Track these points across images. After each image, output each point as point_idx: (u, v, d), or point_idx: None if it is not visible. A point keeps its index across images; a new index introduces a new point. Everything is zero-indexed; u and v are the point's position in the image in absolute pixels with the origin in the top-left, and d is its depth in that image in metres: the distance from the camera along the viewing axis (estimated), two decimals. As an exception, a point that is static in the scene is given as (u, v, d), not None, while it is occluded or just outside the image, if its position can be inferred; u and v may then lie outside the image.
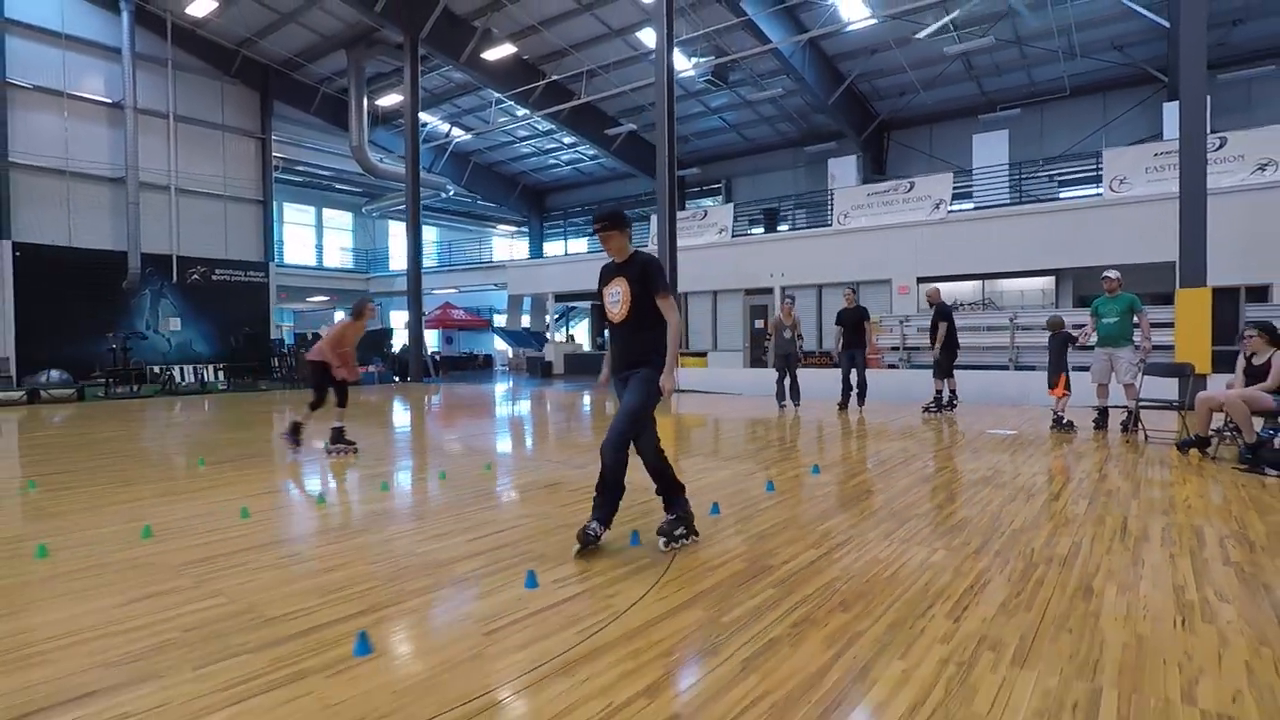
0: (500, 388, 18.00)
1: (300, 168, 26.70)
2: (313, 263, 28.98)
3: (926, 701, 2.01)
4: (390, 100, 25.02)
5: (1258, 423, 5.53)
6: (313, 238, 29.19)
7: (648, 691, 2.08)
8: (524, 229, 35.34)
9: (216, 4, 19.37)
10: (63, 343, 19.19)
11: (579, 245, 34.06)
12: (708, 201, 28.82)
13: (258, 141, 24.31)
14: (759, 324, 18.61)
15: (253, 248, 24.16)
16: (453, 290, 29.17)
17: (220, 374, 20.35)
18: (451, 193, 28.70)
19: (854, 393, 9.89)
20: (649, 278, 3.44)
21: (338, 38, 22.12)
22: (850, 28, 18.33)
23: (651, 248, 19.39)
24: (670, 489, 3.55)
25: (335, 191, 29.26)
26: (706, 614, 2.68)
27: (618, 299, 3.48)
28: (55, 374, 15.88)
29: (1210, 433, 6.00)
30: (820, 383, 11.41)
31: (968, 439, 7.31)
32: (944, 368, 9.35)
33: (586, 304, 26.27)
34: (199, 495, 5.02)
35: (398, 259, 32.88)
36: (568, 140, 28.34)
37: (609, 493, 3.42)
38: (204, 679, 2.17)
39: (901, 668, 2.22)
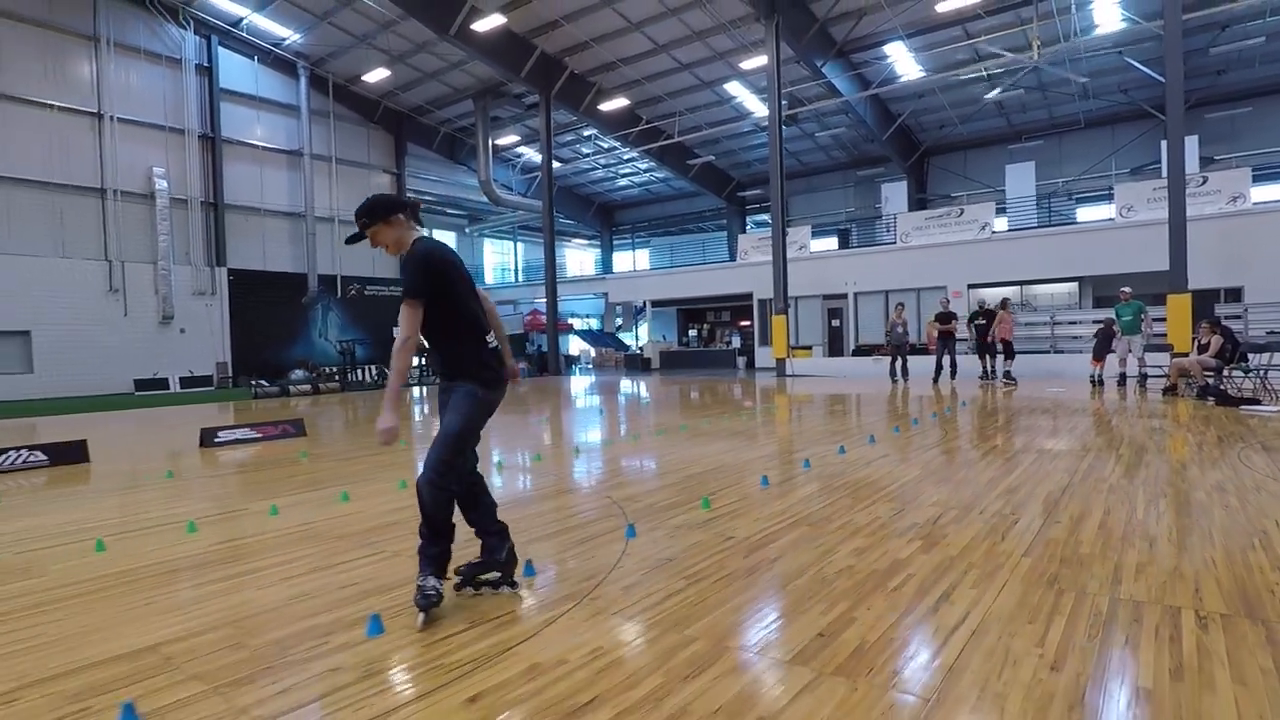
0: (643, 380, 22.39)
1: (419, 196, 31.15)
2: (426, 277, 33.35)
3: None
4: (505, 140, 29.49)
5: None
6: (425, 255, 33.62)
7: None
8: (595, 241, 39.73)
9: (389, 73, 23.84)
10: (261, 348, 23.72)
11: (643, 256, 38.49)
12: (765, 217, 33.22)
13: (393, 176, 28.82)
14: (835, 323, 22.95)
15: (392, 266, 28.61)
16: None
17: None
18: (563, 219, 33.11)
19: (944, 371, 14.24)
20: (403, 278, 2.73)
21: (468, 90, 26.53)
22: (903, 80, 22.60)
23: (757, 260, 23.69)
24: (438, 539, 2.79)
25: (444, 215, 33.74)
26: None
27: None
28: (299, 373, 20.30)
29: (1181, 383, 10.31)
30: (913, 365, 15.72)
31: (1038, 394, 11.61)
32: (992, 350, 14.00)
33: (672, 308, 30.49)
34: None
35: (488, 272, 37.46)
36: (642, 165, 32.70)
37: (440, 540, 2.77)
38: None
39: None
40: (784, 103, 19.42)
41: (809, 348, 22.11)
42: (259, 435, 8.16)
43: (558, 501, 4.93)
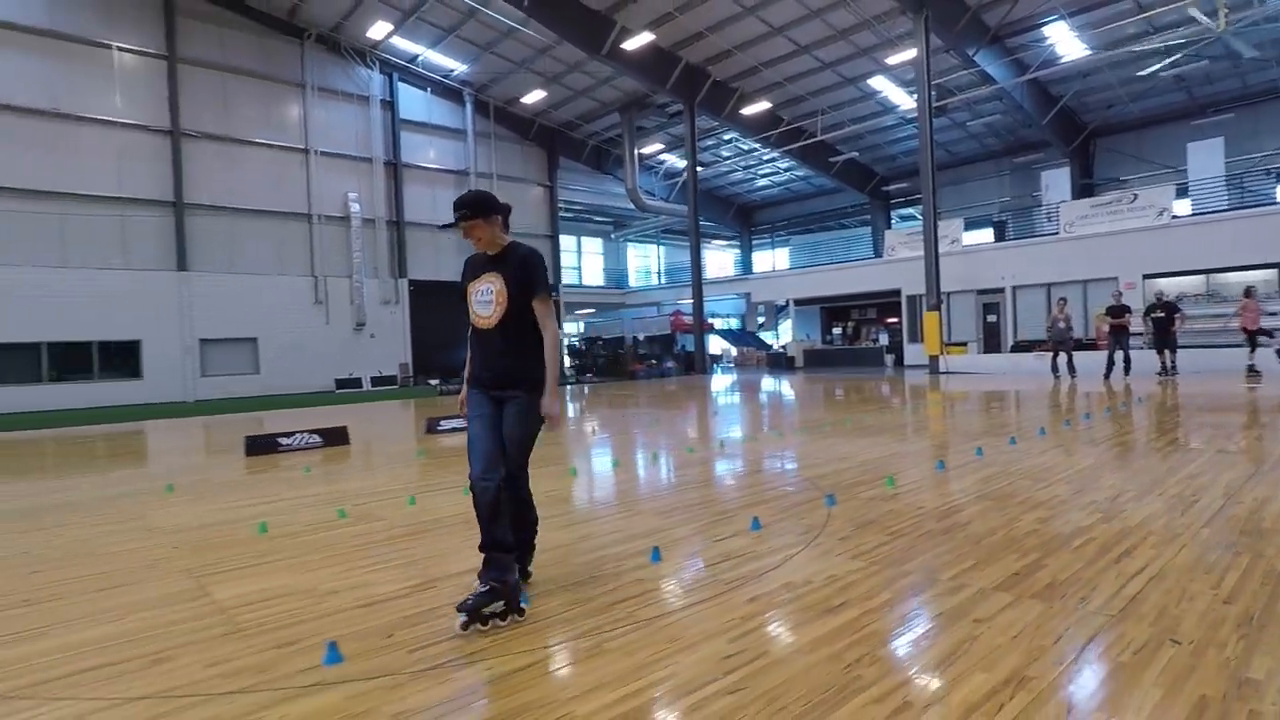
0: (790, 379, 22.84)
1: (570, 205, 33.09)
2: (574, 282, 35.39)
3: None
4: (649, 149, 30.79)
5: None
6: (573, 261, 35.64)
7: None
8: (735, 242, 40.27)
9: (545, 93, 25.74)
10: (436, 351, 26.33)
11: (783, 255, 38.53)
12: (911, 211, 32.44)
13: (546, 188, 30.85)
14: (991, 318, 22.19)
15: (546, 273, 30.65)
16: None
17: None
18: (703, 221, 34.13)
19: (1117, 366, 13.64)
20: (529, 276, 2.89)
21: (615, 104, 27.97)
22: (1065, 60, 21.44)
23: (905, 256, 23.44)
24: (519, 543, 2.97)
25: (591, 223, 35.64)
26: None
27: (489, 299, 2.92)
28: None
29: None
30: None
31: (1230, 390, 10.99)
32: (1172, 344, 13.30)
33: (814, 307, 30.49)
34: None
35: (631, 276, 39.07)
36: (782, 164, 32.85)
37: (532, 527, 3.08)
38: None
39: None
40: (933, 94, 19.12)
41: (963, 344, 21.53)
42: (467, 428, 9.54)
43: (756, 478, 5.70)
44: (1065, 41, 21.12)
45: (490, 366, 2.95)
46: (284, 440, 8.15)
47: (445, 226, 3.18)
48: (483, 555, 2.81)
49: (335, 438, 8.54)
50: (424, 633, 2.68)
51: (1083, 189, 24.85)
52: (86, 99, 19.68)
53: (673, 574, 3.26)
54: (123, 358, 20.37)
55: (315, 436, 8.42)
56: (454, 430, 9.43)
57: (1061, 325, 14.02)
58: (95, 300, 19.57)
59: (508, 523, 2.84)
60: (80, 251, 19.55)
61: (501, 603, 2.73)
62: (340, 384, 23.83)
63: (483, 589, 2.72)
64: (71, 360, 19.54)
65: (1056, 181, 24.46)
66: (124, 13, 20.34)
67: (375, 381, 24.64)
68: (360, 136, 25.20)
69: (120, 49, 20.28)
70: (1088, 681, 2.11)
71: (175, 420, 14.91)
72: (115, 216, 20.15)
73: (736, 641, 2.47)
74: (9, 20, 18.49)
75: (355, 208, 24.66)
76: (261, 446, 7.98)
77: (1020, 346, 20.11)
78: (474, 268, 3.05)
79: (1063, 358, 14.18)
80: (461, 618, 2.67)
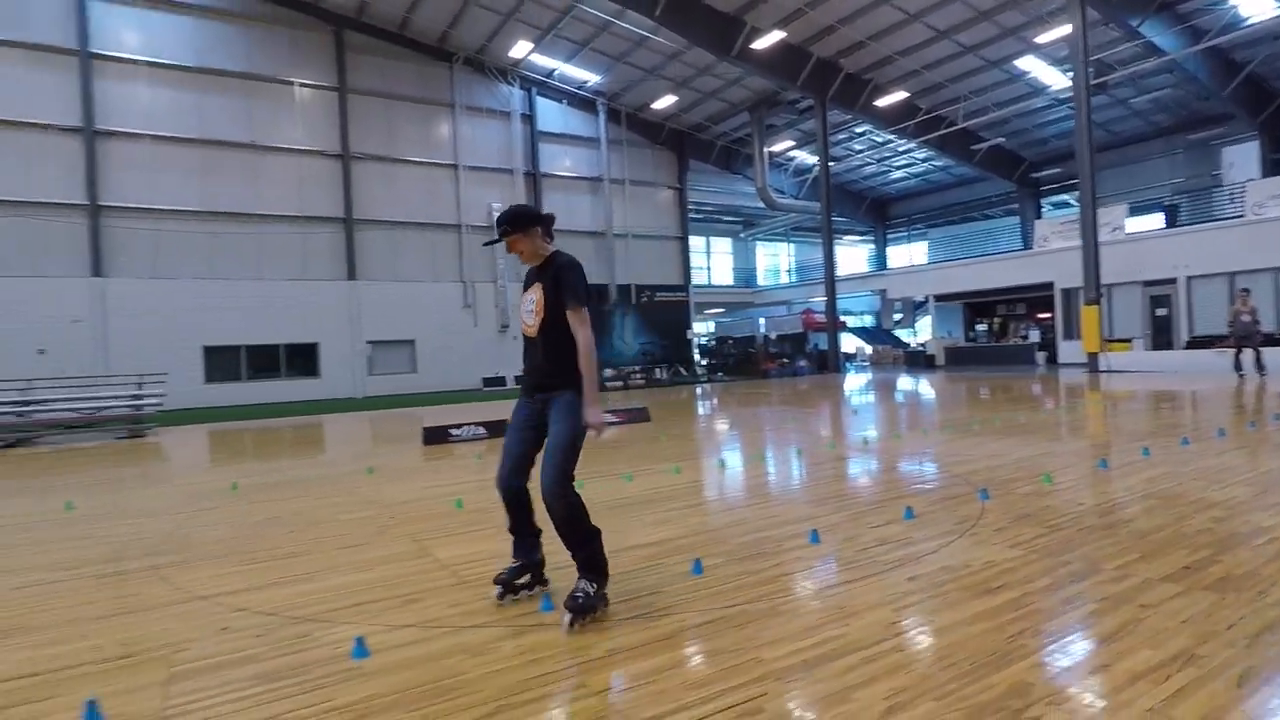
0: (932, 378, 22.11)
1: (699, 207, 33.48)
2: (704, 282, 35.77)
3: None
4: (778, 146, 30.61)
5: None
6: (702, 261, 36.03)
7: None
8: (868, 237, 39.12)
9: (674, 98, 26.30)
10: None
11: (919, 250, 36.95)
12: (1065, 198, 30.20)
13: (675, 191, 31.39)
14: (1161, 312, 20.33)
15: (675, 274, 31.25)
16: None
17: (682, 370, 27.32)
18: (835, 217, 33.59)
19: (1315, 363, 12.25)
20: (561, 285, 2.94)
21: (744, 104, 28.05)
22: (1251, 22, 19.24)
23: (1059, 246, 21.99)
24: (585, 542, 2.96)
25: (721, 223, 35.88)
26: None
27: (531, 308, 3.02)
28: (608, 371, 23.34)
29: None
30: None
31: None
32: None
33: (956, 303, 29.10)
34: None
35: (760, 274, 38.91)
36: (919, 155, 31.56)
37: (591, 540, 2.99)
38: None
39: None
40: (1090, 71, 17.82)
41: (1127, 341, 19.86)
42: (619, 420, 10.16)
43: (904, 473, 5.81)
44: (1250, 2, 18.98)
45: (534, 372, 3.06)
46: (454, 431, 9.07)
47: (488, 244, 3.48)
48: (512, 537, 3.17)
49: (497, 430, 9.37)
50: (618, 590, 3.10)
51: (1274, 165, 22.17)
52: (274, 130, 22.33)
53: (832, 554, 3.52)
54: (304, 358, 22.92)
55: (480, 428, 9.29)
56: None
57: (1245, 318, 12.73)
58: (282, 308, 22.16)
59: (527, 515, 3.13)
60: (270, 265, 22.21)
61: (529, 575, 3.14)
62: (486, 382, 25.49)
63: (513, 565, 3.13)
64: (264, 361, 22.26)
65: (1242, 158, 22.00)
66: (304, 52, 22.89)
67: (518, 380, 26.15)
68: (502, 150, 26.80)
69: (300, 84, 22.82)
70: (1260, 664, 2.18)
71: (351, 414, 16.67)
72: (297, 234, 22.72)
73: (900, 612, 2.71)
74: (220, 67, 21.37)
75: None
76: (436, 436, 8.93)
77: (1196, 342, 18.31)
78: (527, 279, 3.15)
79: (1248, 354, 12.88)
80: (498, 589, 3.08)
